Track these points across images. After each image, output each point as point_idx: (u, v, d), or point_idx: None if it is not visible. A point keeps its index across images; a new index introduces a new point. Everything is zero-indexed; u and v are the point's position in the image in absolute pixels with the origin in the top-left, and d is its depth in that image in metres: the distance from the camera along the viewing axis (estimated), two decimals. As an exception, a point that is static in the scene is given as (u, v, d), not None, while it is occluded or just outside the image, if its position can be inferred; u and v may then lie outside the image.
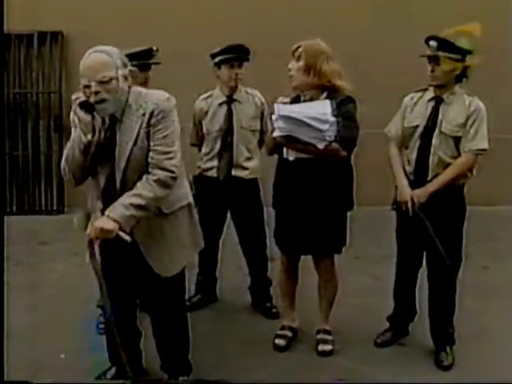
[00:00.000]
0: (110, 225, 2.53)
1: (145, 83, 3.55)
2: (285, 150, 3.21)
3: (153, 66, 3.70)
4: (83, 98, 2.59)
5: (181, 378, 2.97)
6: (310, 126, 3.00)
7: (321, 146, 3.06)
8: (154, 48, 3.62)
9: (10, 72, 6.49)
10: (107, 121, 2.67)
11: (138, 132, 2.63)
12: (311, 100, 3.18)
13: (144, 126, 2.62)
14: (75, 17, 6.20)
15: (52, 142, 6.54)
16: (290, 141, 3.11)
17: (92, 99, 2.56)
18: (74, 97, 2.64)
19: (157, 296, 2.89)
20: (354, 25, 6.18)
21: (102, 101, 2.56)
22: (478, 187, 5.46)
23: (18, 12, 5.76)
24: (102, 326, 3.53)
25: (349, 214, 3.39)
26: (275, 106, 3.10)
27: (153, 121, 2.62)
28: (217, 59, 3.76)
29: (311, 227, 3.25)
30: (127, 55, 3.45)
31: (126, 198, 2.59)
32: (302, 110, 3.04)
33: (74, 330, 3.61)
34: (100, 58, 2.57)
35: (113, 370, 3.04)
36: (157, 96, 2.68)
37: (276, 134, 3.10)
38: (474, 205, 5.31)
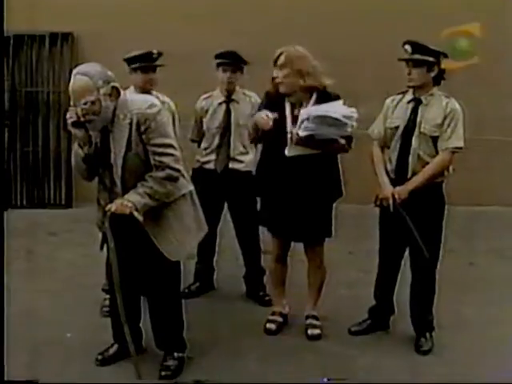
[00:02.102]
0: (128, 202, 2.86)
1: (149, 85, 3.80)
2: (288, 146, 3.39)
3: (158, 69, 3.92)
4: (75, 118, 2.89)
5: (176, 354, 3.20)
6: (342, 122, 3.24)
7: (342, 141, 3.35)
8: (155, 51, 3.83)
9: (22, 71, 6.70)
10: (101, 132, 2.95)
11: (129, 140, 2.89)
12: (301, 102, 3.40)
13: (133, 134, 2.89)
14: (85, 19, 6.37)
15: (61, 139, 6.71)
16: (308, 140, 3.31)
17: (81, 119, 2.87)
18: (68, 116, 2.93)
19: (155, 278, 3.13)
20: (347, 29, 6.33)
21: (90, 121, 2.87)
22: (466, 187, 5.73)
23: (31, 14, 6.02)
24: (105, 309, 3.79)
25: (343, 207, 3.65)
26: (302, 110, 3.32)
27: (142, 129, 2.88)
28: (216, 61, 4.03)
29: (306, 215, 3.46)
30: (128, 58, 3.77)
31: (141, 188, 2.90)
32: (335, 110, 3.26)
33: (80, 311, 3.86)
34: (81, 82, 2.82)
35: (114, 348, 3.28)
36: (140, 104, 2.92)
37: (303, 133, 3.29)
38: (462, 205, 5.60)
